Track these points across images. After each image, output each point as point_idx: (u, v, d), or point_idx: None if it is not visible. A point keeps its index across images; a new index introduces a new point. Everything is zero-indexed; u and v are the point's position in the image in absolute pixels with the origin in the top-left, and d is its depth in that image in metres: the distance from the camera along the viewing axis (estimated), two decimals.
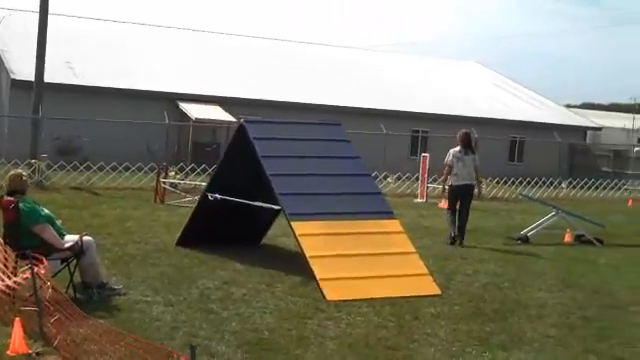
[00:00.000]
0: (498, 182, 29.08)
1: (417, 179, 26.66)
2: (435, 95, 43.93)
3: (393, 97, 41.71)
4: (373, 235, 10.66)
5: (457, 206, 15.28)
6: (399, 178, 29.15)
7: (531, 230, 16.42)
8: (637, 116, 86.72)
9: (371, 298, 9.40)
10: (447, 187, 15.53)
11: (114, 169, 25.56)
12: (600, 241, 16.16)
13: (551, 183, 32.10)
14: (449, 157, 15.30)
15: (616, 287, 11.43)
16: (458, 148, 15.27)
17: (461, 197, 15.24)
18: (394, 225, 11.00)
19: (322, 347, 7.36)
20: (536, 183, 31.05)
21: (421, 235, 15.74)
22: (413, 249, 10.73)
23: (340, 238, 10.38)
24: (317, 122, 13.12)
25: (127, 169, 25.44)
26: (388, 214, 11.14)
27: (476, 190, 15.46)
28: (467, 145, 15.32)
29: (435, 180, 26.64)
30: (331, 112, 35.30)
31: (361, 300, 9.29)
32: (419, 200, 25.02)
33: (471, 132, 15.44)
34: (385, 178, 29.18)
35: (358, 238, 10.50)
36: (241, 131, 11.61)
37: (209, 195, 12.25)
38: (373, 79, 44.24)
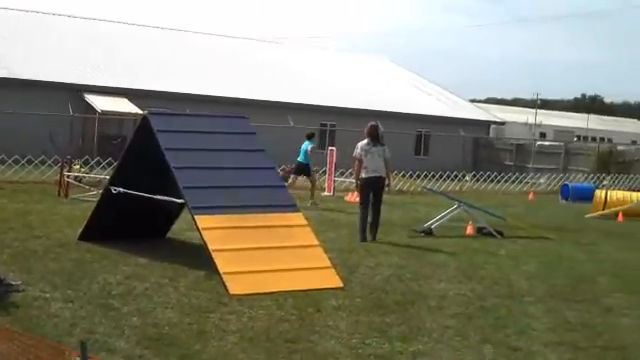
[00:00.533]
0: (404, 175, 29.41)
1: (325, 172, 26.69)
2: (343, 89, 44.13)
3: (302, 90, 41.82)
4: (277, 228, 10.63)
5: (370, 199, 15.03)
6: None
7: (434, 223, 16.56)
8: (539, 111, 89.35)
9: (274, 291, 9.38)
10: (358, 181, 15.25)
11: (16, 162, 25.00)
12: (500, 233, 16.36)
13: (455, 176, 32.60)
14: (357, 150, 15.14)
15: (514, 278, 11.64)
16: (366, 141, 15.13)
17: (372, 190, 15.01)
18: (298, 218, 11.00)
19: (223, 341, 7.31)
20: (441, 176, 31.55)
21: (326, 228, 15.76)
22: (316, 242, 10.73)
23: (244, 231, 10.32)
24: (222, 115, 13.10)
25: (30, 162, 25.02)
26: (292, 207, 11.13)
27: (387, 183, 15.31)
28: (374, 137, 15.15)
29: (342, 174, 27.19)
30: (240, 105, 35.17)
31: (264, 294, 9.26)
32: (326, 193, 25.02)
33: (378, 124, 15.34)
34: None
35: (262, 231, 10.46)
36: (145, 123, 11.43)
37: (112, 188, 12.07)
38: (282, 72, 44.21)
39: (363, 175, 15.10)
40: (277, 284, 9.63)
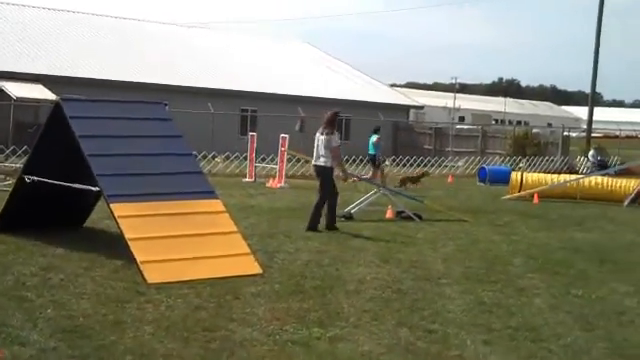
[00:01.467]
0: None
1: (246, 159, 26.27)
2: (263, 74, 43.79)
3: (221, 76, 41.37)
4: (195, 215, 10.47)
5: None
6: (227, 158, 28.82)
7: (354, 207, 16.52)
8: (458, 95, 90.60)
9: (193, 280, 9.25)
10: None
11: None
12: (419, 216, 16.39)
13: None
14: (335, 138, 14.29)
15: (431, 260, 11.70)
16: (320, 129, 14.41)
17: (317, 178, 14.51)
18: (216, 205, 10.86)
19: (139, 331, 7.21)
20: (361, 161, 31.53)
21: (247, 215, 15.63)
22: (235, 228, 10.60)
23: (161, 219, 10.18)
24: (138, 101, 12.79)
25: None
26: (210, 194, 10.98)
27: (338, 172, 14.69)
28: (326, 125, 14.31)
29: (264, 159, 26.88)
30: (160, 91, 34.62)
31: (182, 282, 9.13)
32: (248, 180, 24.70)
33: (337, 112, 14.65)
34: (214, 158, 29.01)
35: (179, 219, 10.31)
36: (58, 110, 11.15)
37: (26, 177, 11.79)
38: (201, 58, 43.54)
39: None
40: (195, 272, 9.48)
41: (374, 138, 24.60)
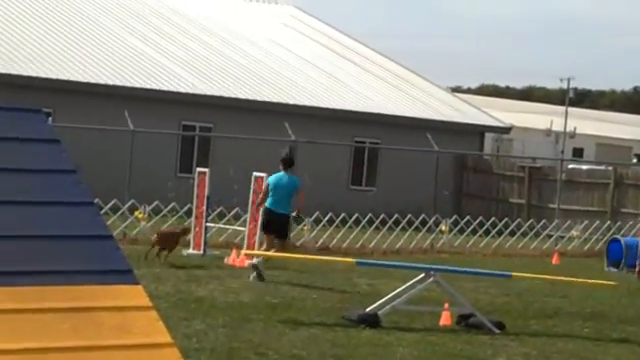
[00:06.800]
0: (332, 222, 28.45)
1: (191, 212, 24.90)
2: (221, 65, 42.68)
3: (145, 68, 39.99)
4: (97, 313, 8.71)
5: None
6: (156, 212, 27.21)
7: (383, 305, 15.25)
8: (572, 110, 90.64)
9: None
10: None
11: None
12: (498, 325, 15.42)
13: (424, 224, 31.20)
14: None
15: None
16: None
17: None
18: (135, 295, 8.92)
19: None
20: (397, 223, 30.05)
21: (190, 314, 14.97)
22: (168, 339, 8.34)
23: (36, 318, 8.49)
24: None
25: None
26: (125, 275, 9.13)
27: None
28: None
29: (222, 216, 26.09)
30: (25, 88, 33.02)
31: None
32: (192, 252, 23.77)
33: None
34: (131, 212, 27.27)
35: (69, 319, 8.56)
36: None
37: None
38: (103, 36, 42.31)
39: None
40: None
41: (287, 180, 20.14)
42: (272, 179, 20.63)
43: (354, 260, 19.82)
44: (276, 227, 20.17)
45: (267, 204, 20.47)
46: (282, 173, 20.40)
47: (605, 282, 16.78)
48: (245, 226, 23.88)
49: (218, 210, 26.27)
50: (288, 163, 20.96)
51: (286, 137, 30.16)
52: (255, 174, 23.34)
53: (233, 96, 39.10)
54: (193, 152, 37.13)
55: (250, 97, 39.53)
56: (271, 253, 19.29)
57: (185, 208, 26.32)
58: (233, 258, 22.72)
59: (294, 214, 20.38)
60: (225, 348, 12.63)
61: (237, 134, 33.63)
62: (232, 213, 26.43)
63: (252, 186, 23.34)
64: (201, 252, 23.85)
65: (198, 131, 37.45)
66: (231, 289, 18.30)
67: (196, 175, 24.95)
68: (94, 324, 8.49)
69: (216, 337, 13.32)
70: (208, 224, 24.54)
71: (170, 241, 22.93)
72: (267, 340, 13.45)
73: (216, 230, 25.59)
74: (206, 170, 24.94)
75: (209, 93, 39.09)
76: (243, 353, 12.46)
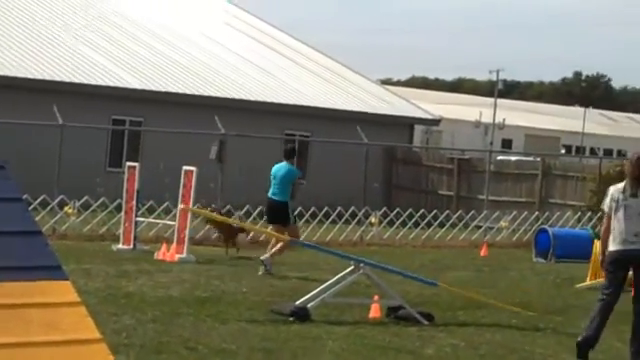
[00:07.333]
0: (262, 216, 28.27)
1: (120, 208, 24.75)
2: (150, 57, 42.49)
3: (71, 59, 39.43)
4: (24, 310, 8.91)
5: None
6: (85, 207, 27.05)
7: (313, 298, 15.20)
8: (501, 102, 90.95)
9: None
10: None
11: None
12: (427, 316, 15.42)
13: (353, 216, 31.19)
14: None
15: None
16: None
17: None
18: (63, 291, 9.25)
19: None
20: (327, 215, 30.18)
21: (119, 309, 14.98)
22: (97, 334, 8.96)
23: None
24: None
25: None
26: (53, 271, 9.28)
27: None
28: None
29: (152, 210, 25.93)
30: None
31: None
32: (122, 247, 23.63)
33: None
34: (61, 207, 27.04)
35: None
36: None
37: None
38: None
39: None
40: None
41: (285, 170, 21.11)
42: (273, 169, 21.39)
43: (288, 238, 20.00)
44: (275, 215, 20.72)
45: (268, 193, 21.41)
46: (283, 163, 21.06)
47: (514, 308, 16.73)
48: (175, 220, 23.83)
49: (148, 204, 26.15)
50: (287, 154, 21.63)
51: (216, 131, 30.30)
52: (185, 168, 23.26)
53: (163, 90, 39.06)
54: (123, 146, 37.11)
55: (180, 91, 39.55)
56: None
57: (115, 203, 26.08)
58: (163, 252, 22.61)
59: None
60: (154, 343, 12.62)
61: (167, 128, 33.68)
62: (162, 207, 26.41)
63: (182, 180, 23.26)
64: (131, 247, 23.73)
65: (128, 125, 37.35)
66: (161, 284, 18.24)
67: (126, 169, 24.91)
68: (23, 321, 8.52)
69: (145, 332, 13.33)
70: (138, 219, 24.49)
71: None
72: (196, 334, 13.44)
73: (146, 225, 25.50)
74: (136, 164, 24.91)
75: (139, 87, 38.91)
76: (172, 348, 12.45)
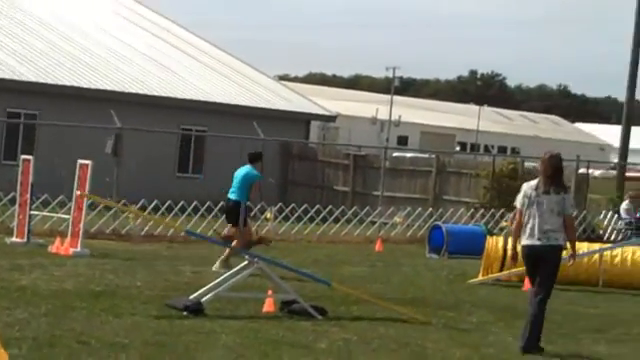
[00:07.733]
0: (158, 209, 28.17)
1: (14, 201, 24.25)
2: (42, 46, 41.48)
3: None
4: None
5: None
6: None
7: (207, 292, 15.06)
8: (397, 99, 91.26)
9: None
10: None
11: None
12: (321, 311, 15.43)
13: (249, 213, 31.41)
14: None
15: None
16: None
17: None
18: None
19: None
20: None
21: (12, 303, 14.76)
22: None
23: None
24: None
25: None
26: None
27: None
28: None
29: (46, 204, 25.63)
30: None
31: None
32: (15, 240, 23.22)
33: None
34: None
35: None
36: None
37: None
38: None
39: None
40: None
41: (244, 172, 21.53)
42: (236, 171, 21.98)
43: (184, 229, 20.37)
44: (229, 214, 21.33)
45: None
46: (247, 166, 21.59)
47: (401, 309, 16.44)
48: (70, 214, 23.34)
49: (43, 198, 25.74)
50: (252, 158, 22.11)
51: (112, 125, 29.99)
52: (80, 161, 22.90)
53: (59, 83, 38.34)
54: (18, 139, 36.53)
55: (76, 84, 38.85)
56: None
57: (9, 196, 25.72)
58: (57, 246, 22.34)
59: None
60: (47, 337, 12.44)
61: (63, 121, 33.13)
62: (57, 201, 26.03)
63: (77, 173, 22.88)
64: (24, 240, 23.28)
65: (23, 118, 36.60)
66: (55, 277, 17.95)
67: (21, 162, 24.47)
68: None
69: (38, 326, 13.13)
70: (32, 212, 24.06)
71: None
72: (89, 328, 13.27)
73: (40, 218, 25.06)
74: (30, 157, 24.47)
75: (34, 80, 38.09)
76: (65, 341, 12.28)
